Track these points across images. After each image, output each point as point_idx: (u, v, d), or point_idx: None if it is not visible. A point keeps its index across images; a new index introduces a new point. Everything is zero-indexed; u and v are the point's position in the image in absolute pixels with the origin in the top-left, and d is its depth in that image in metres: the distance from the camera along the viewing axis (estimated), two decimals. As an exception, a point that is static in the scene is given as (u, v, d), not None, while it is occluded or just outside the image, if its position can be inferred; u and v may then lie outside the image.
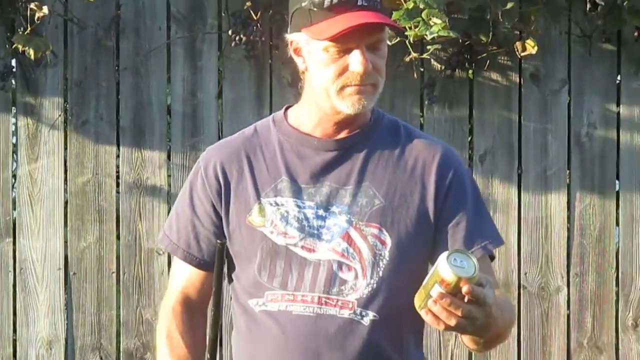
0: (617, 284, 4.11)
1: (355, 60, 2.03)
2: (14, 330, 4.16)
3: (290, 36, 2.16)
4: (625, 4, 4.00)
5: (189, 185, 2.30)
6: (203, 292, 2.24)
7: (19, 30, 3.97)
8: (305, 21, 2.09)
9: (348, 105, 2.07)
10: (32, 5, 3.87)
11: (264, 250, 2.11)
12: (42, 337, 4.14)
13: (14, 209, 4.18)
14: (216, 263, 1.92)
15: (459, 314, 1.70)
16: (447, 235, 2.12)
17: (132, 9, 4.17)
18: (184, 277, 2.25)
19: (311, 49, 2.10)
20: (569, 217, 4.17)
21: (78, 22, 4.08)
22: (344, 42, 2.05)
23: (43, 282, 4.15)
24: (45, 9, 3.87)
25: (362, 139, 2.17)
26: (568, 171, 4.16)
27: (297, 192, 2.14)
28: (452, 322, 1.71)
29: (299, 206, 2.15)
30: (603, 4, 4.01)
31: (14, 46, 3.96)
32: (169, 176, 4.05)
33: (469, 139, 4.19)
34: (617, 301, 4.12)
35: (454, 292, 1.71)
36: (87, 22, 4.08)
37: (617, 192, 4.12)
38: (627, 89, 4.12)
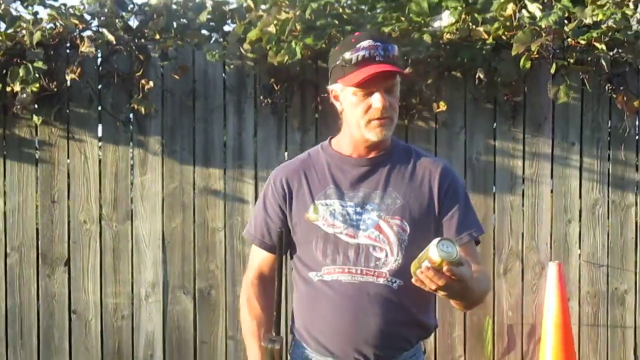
0: (494, 247, 5.06)
1: (376, 100, 2.45)
2: (132, 276, 5.01)
3: (330, 87, 2.62)
4: (499, 79, 4.92)
5: (262, 195, 2.75)
6: (272, 269, 2.62)
7: (135, 95, 4.84)
8: (340, 74, 2.52)
9: (373, 135, 2.50)
10: (143, 81, 4.80)
11: (319, 237, 2.54)
12: (148, 281, 5.00)
13: (132, 203, 5.02)
14: (277, 245, 2.39)
15: (440, 283, 2.09)
16: (444, 224, 2.56)
17: (202, 83, 5.00)
18: (259, 259, 2.71)
19: (345, 95, 2.53)
20: None
21: (170, 90, 4.96)
22: (367, 87, 2.45)
23: (149, 248, 5.00)
24: (150, 83, 4.79)
25: (385, 158, 2.60)
26: (465, 181, 4.99)
27: (340, 196, 2.58)
28: (433, 287, 2.11)
29: (342, 205, 2.56)
30: (485, 80, 4.87)
31: (131, 105, 4.86)
32: (224, 184, 4.86)
33: None
34: (493, 257, 5.06)
35: (438, 269, 2.08)
36: (175, 90, 4.96)
37: (494, 193, 5.10)
38: (500, 132, 5.10)
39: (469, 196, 2.68)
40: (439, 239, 2.07)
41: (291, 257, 2.68)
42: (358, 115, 2.48)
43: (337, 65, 2.53)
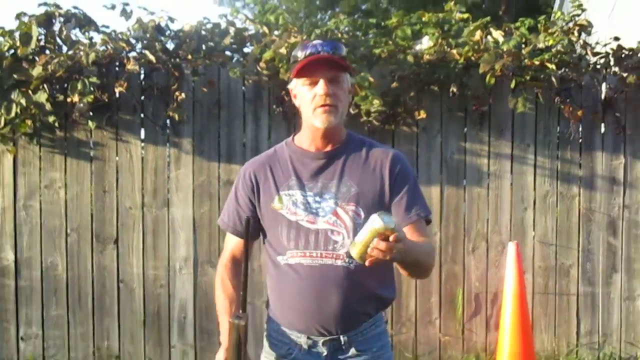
0: (464, 230, 5.41)
1: (319, 87, 2.45)
2: (168, 253, 5.33)
3: (289, 86, 2.65)
4: (468, 93, 5.29)
5: (234, 187, 2.72)
6: (243, 253, 2.57)
7: (171, 105, 5.17)
8: (292, 69, 2.53)
9: (319, 121, 2.48)
10: (177, 94, 5.14)
11: (283, 224, 2.55)
12: (182, 256, 5.35)
13: (168, 193, 5.34)
14: (244, 231, 2.44)
15: (393, 250, 2.11)
16: (394, 206, 2.55)
17: (226, 95, 5.33)
18: (231, 244, 2.71)
19: (297, 89, 2.55)
20: (441, 199, 5.36)
21: (199, 101, 5.31)
22: (311, 75, 2.47)
23: (182, 229, 5.35)
24: (183, 95, 5.15)
25: (341, 150, 2.59)
26: (441, 175, 5.41)
27: (301, 186, 2.56)
28: (388, 256, 2.12)
29: (303, 195, 2.55)
30: (458, 93, 5.24)
31: (168, 113, 5.22)
32: (244, 177, 5.28)
33: None
34: (463, 238, 5.42)
35: (383, 238, 2.11)
36: (203, 101, 5.31)
37: (464, 186, 5.44)
38: (470, 135, 5.44)
39: (419, 184, 2.64)
40: (376, 214, 2.13)
41: (263, 242, 2.70)
42: (307, 105, 2.50)
43: (291, 63, 2.59)
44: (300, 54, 2.53)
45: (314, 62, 2.48)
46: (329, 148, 2.59)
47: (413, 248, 2.30)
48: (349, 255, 2.43)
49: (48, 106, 5.04)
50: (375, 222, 2.12)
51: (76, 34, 5.31)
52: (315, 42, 2.54)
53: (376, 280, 2.60)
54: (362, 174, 2.57)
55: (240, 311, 2.47)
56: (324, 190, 2.56)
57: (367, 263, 2.18)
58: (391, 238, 2.13)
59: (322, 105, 2.47)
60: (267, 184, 2.62)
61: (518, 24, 5.70)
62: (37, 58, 5.12)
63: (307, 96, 2.50)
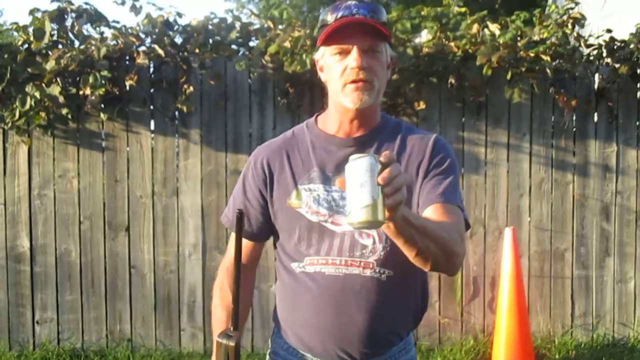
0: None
1: (351, 58, 1.96)
2: (178, 239, 5.38)
3: (316, 56, 2.13)
4: (466, 84, 5.35)
5: (242, 177, 2.23)
6: (251, 257, 2.26)
7: (179, 97, 5.23)
8: (320, 35, 2.03)
9: (349, 101, 1.99)
10: (185, 86, 5.20)
11: (302, 226, 2.09)
12: (191, 243, 5.40)
13: (177, 182, 5.37)
14: (236, 227, 1.76)
15: (400, 180, 1.56)
16: (425, 185, 2.02)
17: (232, 87, 5.36)
18: None
19: (325, 60, 2.05)
20: None
21: (207, 93, 5.36)
22: (342, 42, 1.97)
23: (191, 217, 5.39)
24: (192, 88, 5.21)
25: (372, 136, 2.10)
26: None
27: (325, 180, 2.07)
28: (399, 182, 1.55)
29: (327, 190, 2.07)
30: (456, 84, 5.31)
31: (177, 105, 5.28)
32: (250, 166, 5.28)
33: None
34: None
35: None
36: (211, 93, 5.35)
37: (463, 174, 5.42)
38: (467, 125, 5.51)
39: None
40: (348, 162, 1.62)
41: (274, 245, 2.26)
42: (335, 80, 2.02)
43: (318, 29, 2.08)
44: (330, 17, 2.04)
45: (346, 27, 1.98)
46: (359, 133, 2.11)
47: (412, 214, 1.77)
48: (380, 264, 2.05)
49: (61, 99, 5.10)
50: (363, 161, 1.59)
51: (88, 29, 5.39)
52: (349, 2, 2.04)
53: (412, 293, 2.17)
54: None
55: (231, 327, 1.84)
56: None
57: (386, 214, 1.59)
58: (383, 156, 1.60)
59: (354, 81, 1.99)
60: (283, 175, 2.15)
61: (514, 17, 5.83)
62: (50, 52, 5.18)
63: (336, 69, 2.01)
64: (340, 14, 2.01)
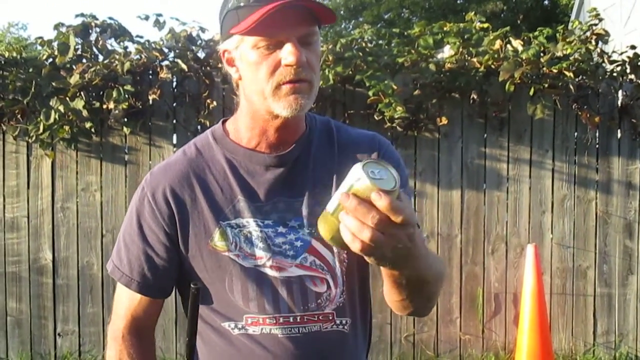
0: (484, 232, 5.37)
1: (287, 52, 1.51)
2: None
3: (221, 47, 1.63)
4: (488, 100, 5.30)
5: (135, 214, 1.69)
6: (153, 319, 1.77)
7: (202, 112, 5.18)
8: (234, 21, 1.55)
9: (285, 106, 1.54)
10: (208, 101, 5.18)
11: (233, 274, 1.63)
12: None
13: None
14: (190, 308, 1.47)
15: (371, 223, 1.16)
16: None
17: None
18: (133, 305, 1.72)
19: (242, 52, 1.57)
20: (461, 202, 5.35)
21: (229, 108, 5.21)
22: (272, 34, 1.51)
23: None
24: (214, 102, 5.18)
25: (304, 148, 1.68)
26: (462, 180, 5.38)
27: (256, 211, 1.63)
28: (366, 235, 1.17)
29: (259, 225, 1.62)
30: (478, 100, 5.25)
31: (199, 119, 5.23)
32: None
33: (414, 163, 5.30)
34: (483, 240, 5.37)
35: (368, 200, 1.17)
36: (232, 107, 5.19)
37: (484, 190, 5.41)
38: (489, 141, 5.44)
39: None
40: (361, 162, 1.23)
41: (181, 298, 1.78)
42: (262, 79, 1.55)
43: (230, 10, 1.57)
44: None
45: (279, 9, 1.48)
46: (287, 146, 1.67)
47: (420, 252, 1.36)
48: (341, 313, 1.67)
49: (85, 113, 5.08)
50: (359, 177, 1.21)
51: (111, 43, 5.39)
52: None
53: (366, 336, 1.80)
54: (337, 180, 1.65)
55: None
56: (288, 214, 1.65)
57: (355, 249, 1.22)
58: (383, 204, 1.18)
59: (292, 81, 1.54)
60: (196, 208, 1.66)
61: (536, 33, 5.68)
62: (74, 67, 5.17)
63: (264, 67, 1.55)
64: None
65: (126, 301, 1.74)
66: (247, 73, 1.58)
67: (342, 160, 1.66)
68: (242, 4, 1.52)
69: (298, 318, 1.62)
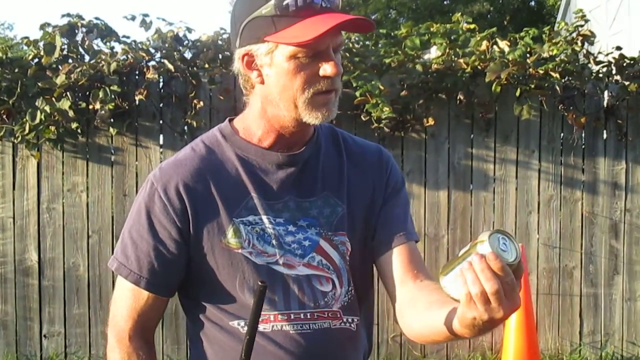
0: (470, 233, 5.38)
1: (328, 65, 1.55)
2: None
3: (242, 50, 1.61)
4: (475, 100, 5.28)
5: (144, 210, 1.66)
6: (157, 319, 1.72)
7: (189, 112, 5.17)
8: (269, 29, 1.54)
9: (317, 116, 1.59)
10: (195, 101, 5.14)
11: (245, 271, 1.63)
12: None
13: None
14: (255, 305, 1.45)
15: (495, 288, 1.25)
16: (383, 216, 1.73)
17: (241, 103, 4.86)
18: (140, 304, 1.67)
19: (276, 60, 1.57)
20: (448, 203, 5.36)
21: (216, 108, 5.29)
22: (316, 47, 1.54)
23: None
24: (201, 103, 5.15)
25: (314, 150, 1.72)
26: (448, 180, 5.39)
27: (267, 209, 1.65)
28: (494, 286, 1.25)
29: (271, 223, 1.64)
30: (465, 100, 5.25)
31: (186, 120, 5.21)
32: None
33: (401, 164, 5.27)
34: (470, 241, 5.34)
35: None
36: (220, 108, 5.25)
37: (471, 190, 5.43)
38: (476, 141, 5.45)
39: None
40: (489, 231, 1.27)
41: (179, 298, 1.76)
42: (297, 89, 1.57)
43: (263, 16, 1.55)
44: (283, 2, 1.53)
45: (323, 20, 1.53)
46: (298, 147, 1.70)
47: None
48: (347, 311, 1.70)
49: (71, 113, 5.05)
50: (484, 246, 1.26)
51: (98, 43, 5.34)
52: None
53: (369, 335, 1.84)
54: (347, 184, 1.73)
55: None
56: (298, 213, 1.68)
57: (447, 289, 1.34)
58: (500, 271, 1.27)
59: (327, 92, 1.58)
60: (210, 205, 1.65)
61: (523, 34, 5.67)
62: (60, 67, 5.13)
63: (301, 76, 1.56)
64: (301, 1, 1.53)
65: (131, 300, 1.68)
66: (276, 80, 1.58)
67: (351, 168, 1.74)
68: (279, 14, 1.52)
69: (309, 314, 1.64)
